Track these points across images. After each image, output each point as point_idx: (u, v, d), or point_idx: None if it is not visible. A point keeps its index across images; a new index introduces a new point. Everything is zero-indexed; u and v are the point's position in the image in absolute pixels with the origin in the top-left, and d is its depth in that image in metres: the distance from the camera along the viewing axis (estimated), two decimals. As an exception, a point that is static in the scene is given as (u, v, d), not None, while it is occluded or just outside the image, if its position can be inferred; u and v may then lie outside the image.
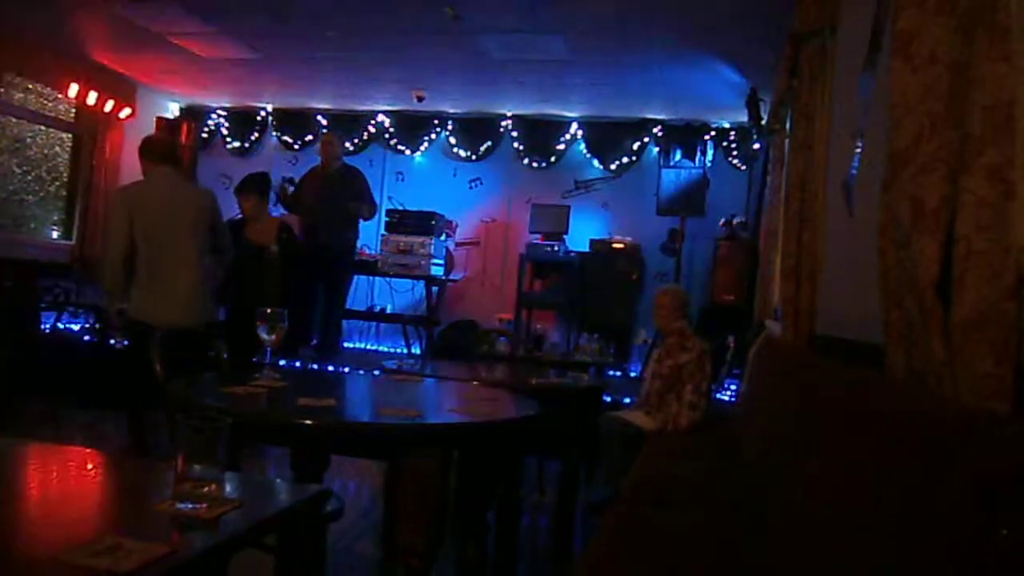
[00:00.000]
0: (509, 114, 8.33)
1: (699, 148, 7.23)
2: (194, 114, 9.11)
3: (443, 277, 7.87)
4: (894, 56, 1.40)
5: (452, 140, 8.53)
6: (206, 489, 1.27)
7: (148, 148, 4.17)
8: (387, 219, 7.72)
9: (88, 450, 1.67)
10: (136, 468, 1.70)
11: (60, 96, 7.73)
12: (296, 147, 8.86)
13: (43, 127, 7.82)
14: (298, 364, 6.25)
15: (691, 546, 2.19)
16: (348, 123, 8.63)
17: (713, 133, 7.80)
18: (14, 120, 7.48)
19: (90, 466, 1.61)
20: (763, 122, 6.18)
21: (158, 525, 1.21)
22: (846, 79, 3.25)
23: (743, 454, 3.32)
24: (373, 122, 8.65)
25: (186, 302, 3.98)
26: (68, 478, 1.53)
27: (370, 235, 8.17)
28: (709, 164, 7.28)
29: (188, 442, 1.29)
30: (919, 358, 1.46)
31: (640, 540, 2.29)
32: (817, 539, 1.65)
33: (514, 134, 8.34)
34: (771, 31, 5.06)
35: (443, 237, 7.80)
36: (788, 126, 5.16)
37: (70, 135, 8.10)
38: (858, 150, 2.85)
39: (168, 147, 4.35)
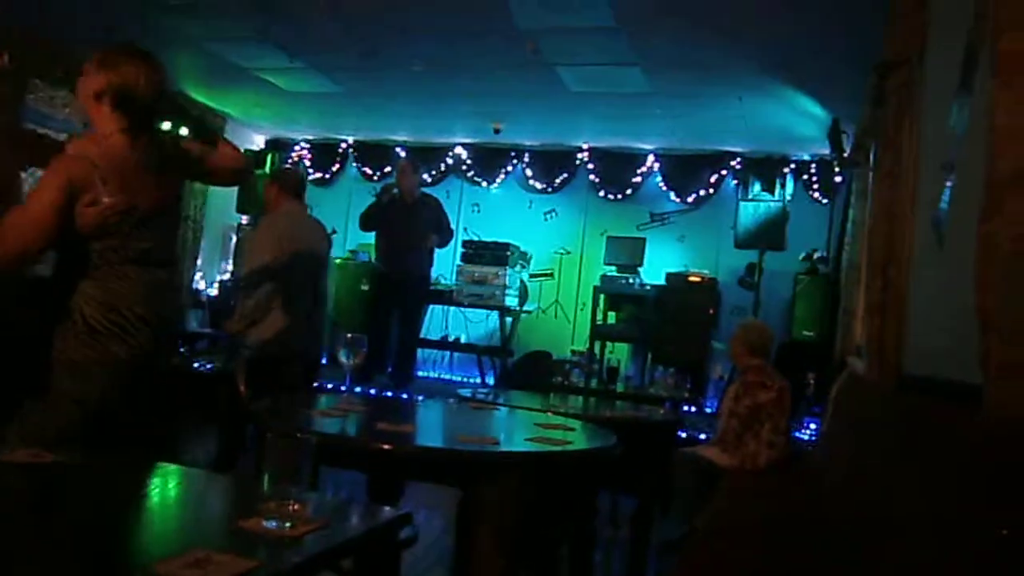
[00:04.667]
0: (585, 146, 8.36)
1: (779, 181, 7.11)
2: (279, 146, 9.40)
3: (517, 308, 7.88)
4: (996, 78, 1.36)
5: (528, 172, 8.59)
6: (291, 508, 1.29)
7: (286, 180, 4.33)
8: (463, 250, 7.80)
9: (175, 466, 1.71)
10: (220, 484, 1.74)
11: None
12: (376, 178, 9.04)
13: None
14: (373, 391, 6.32)
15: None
16: (426, 155, 8.78)
17: (793, 165, 7.67)
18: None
19: (177, 482, 1.66)
20: (846, 154, 6.05)
21: (244, 541, 1.23)
22: (935, 109, 3.16)
23: (824, 496, 3.20)
24: (451, 154, 8.79)
25: (318, 334, 4.16)
26: (158, 493, 1.57)
27: (446, 265, 8.27)
28: (789, 197, 7.14)
29: (274, 460, 1.31)
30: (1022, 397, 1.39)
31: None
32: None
33: (590, 166, 8.35)
34: (853, 61, 4.97)
35: (518, 268, 7.83)
36: (872, 158, 5.03)
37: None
38: (949, 183, 2.76)
39: (301, 182, 4.45)
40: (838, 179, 7.02)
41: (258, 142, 9.49)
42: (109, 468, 1.68)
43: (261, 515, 1.28)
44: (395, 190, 6.95)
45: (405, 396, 6.33)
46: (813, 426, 5.71)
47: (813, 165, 7.68)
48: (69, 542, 1.19)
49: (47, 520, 1.26)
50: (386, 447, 2.03)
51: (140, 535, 1.32)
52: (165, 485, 1.62)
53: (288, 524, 1.27)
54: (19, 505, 1.34)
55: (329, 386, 6.22)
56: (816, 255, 7.08)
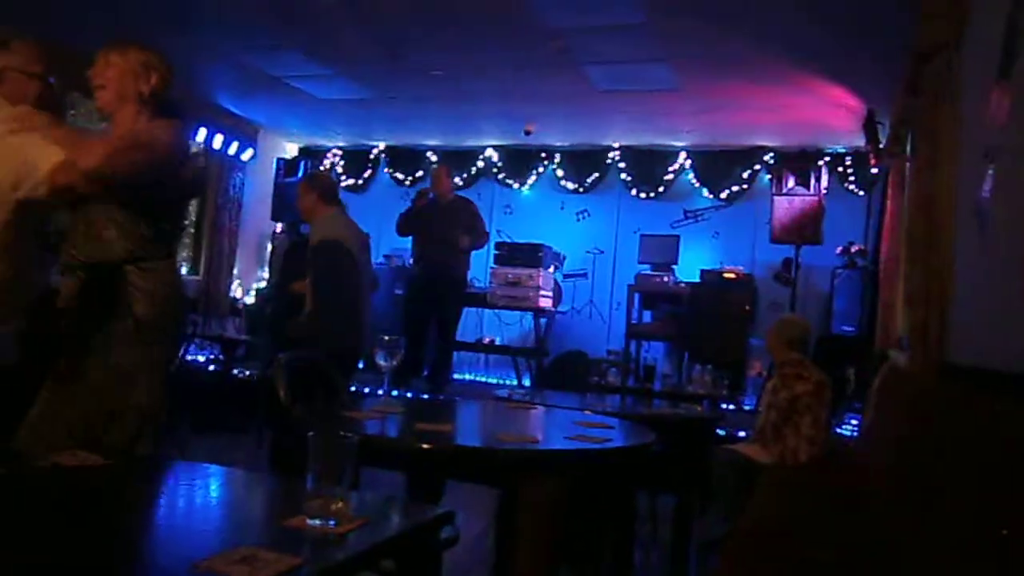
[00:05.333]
0: (616, 145, 8.33)
1: (813, 174, 7.02)
2: (311, 154, 9.49)
3: (551, 309, 7.87)
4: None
5: (559, 172, 8.59)
6: (335, 506, 1.30)
7: (324, 187, 4.35)
8: (496, 252, 7.81)
9: (220, 467, 1.74)
10: (265, 485, 1.76)
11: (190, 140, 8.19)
12: (407, 183, 9.09)
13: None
14: (410, 394, 6.35)
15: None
16: (457, 158, 8.81)
17: (828, 158, 7.57)
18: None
19: (223, 482, 1.68)
20: (882, 145, 5.96)
21: (289, 539, 1.24)
22: (974, 96, 3.11)
23: (867, 490, 3.16)
24: (482, 157, 8.81)
25: (367, 334, 4.20)
26: (203, 493, 1.60)
27: (479, 268, 8.30)
28: (824, 190, 7.06)
29: (318, 460, 1.33)
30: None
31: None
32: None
33: (621, 165, 8.33)
34: (887, 51, 4.89)
35: (551, 269, 7.82)
36: (909, 148, 4.96)
37: (198, 176, 8.56)
38: (990, 171, 2.71)
39: (336, 186, 4.50)
40: (874, 170, 6.92)
41: (291, 150, 9.59)
42: (155, 469, 1.71)
43: (305, 514, 1.30)
44: (430, 195, 6.99)
45: (442, 398, 6.36)
46: (854, 421, 5.64)
47: (848, 157, 7.58)
48: (117, 541, 1.21)
49: (95, 520, 1.29)
50: (426, 447, 2.05)
51: (186, 534, 1.34)
52: (210, 485, 1.64)
53: (332, 522, 1.29)
54: (66, 506, 1.36)
55: (367, 389, 6.28)
56: (854, 248, 6.99)
